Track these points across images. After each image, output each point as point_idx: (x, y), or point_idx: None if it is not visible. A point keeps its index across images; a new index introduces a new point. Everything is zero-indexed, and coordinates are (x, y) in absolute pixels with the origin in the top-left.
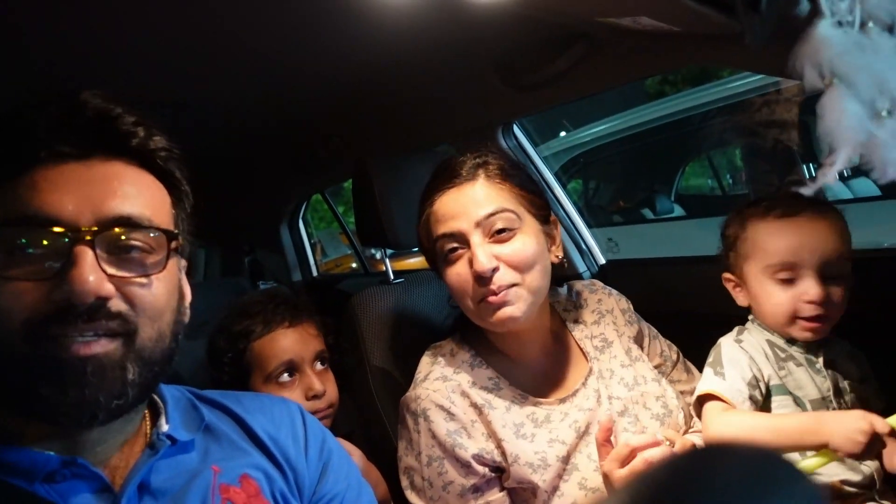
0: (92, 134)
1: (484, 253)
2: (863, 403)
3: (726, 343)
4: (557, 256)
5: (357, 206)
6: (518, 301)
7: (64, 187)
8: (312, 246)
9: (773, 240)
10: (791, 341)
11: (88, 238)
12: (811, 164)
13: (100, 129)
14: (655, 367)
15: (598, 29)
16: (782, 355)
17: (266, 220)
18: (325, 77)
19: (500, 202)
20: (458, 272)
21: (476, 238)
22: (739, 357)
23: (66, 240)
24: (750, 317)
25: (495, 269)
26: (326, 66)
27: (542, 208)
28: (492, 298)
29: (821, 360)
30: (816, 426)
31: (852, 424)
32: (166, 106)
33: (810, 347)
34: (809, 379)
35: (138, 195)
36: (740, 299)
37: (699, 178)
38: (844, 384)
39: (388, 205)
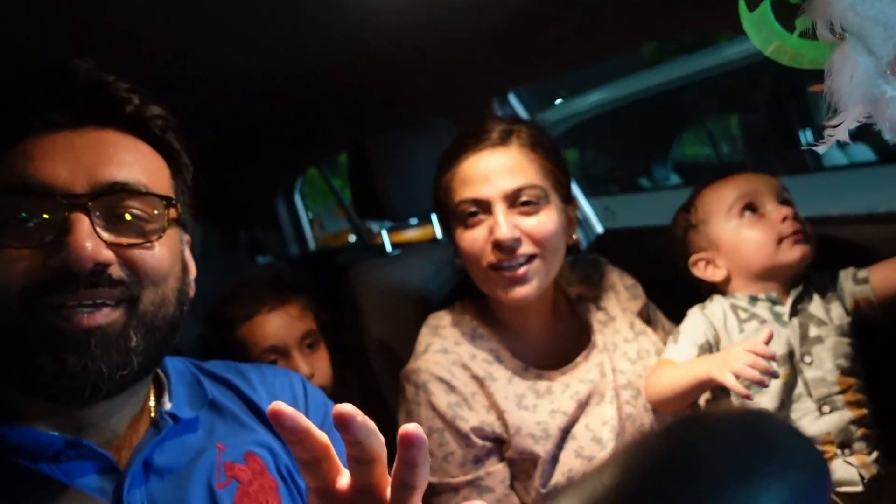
0: (84, 101)
1: (507, 222)
2: (837, 343)
3: (692, 311)
4: (572, 237)
5: (352, 180)
6: (534, 278)
7: (57, 155)
8: (311, 220)
9: (723, 189)
10: (754, 299)
11: (84, 204)
12: (808, 130)
13: (92, 97)
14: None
15: None
16: (744, 316)
17: (261, 194)
18: (318, 50)
19: (529, 176)
20: (475, 237)
21: (500, 207)
22: (698, 323)
23: (61, 207)
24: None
25: (517, 240)
26: (319, 40)
27: (565, 187)
28: (508, 274)
29: (786, 311)
30: (696, 365)
31: (728, 356)
32: (158, 81)
33: (775, 300)
34: (774, 335)
35: (134, 163)
36: (717, 274)
37: (696, 146)
38: (816, 332)
39: (385, 178)
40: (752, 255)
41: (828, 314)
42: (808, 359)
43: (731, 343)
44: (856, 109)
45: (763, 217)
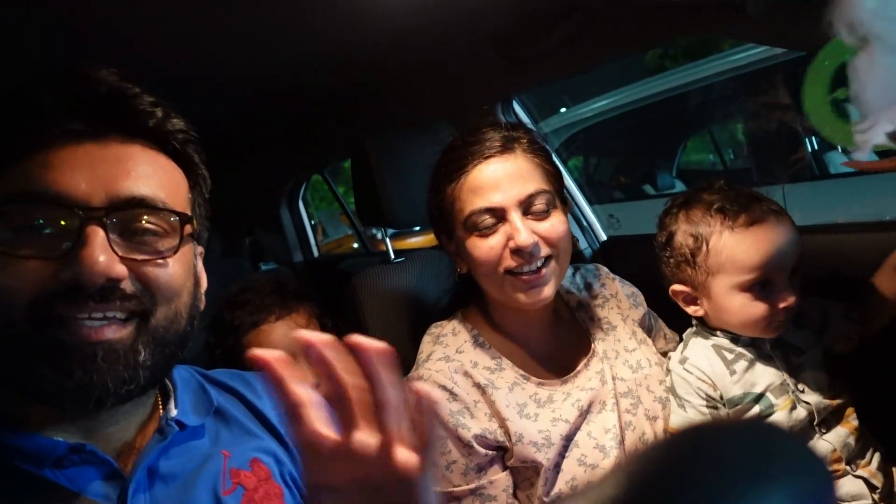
0: (107, 113)
1: (525, 228)
2: (816, 368)
3: (674, 368)
4: None
5: (356, 186)
6: (552, 278)
7: (77, 166)
8: (314, 227)
9: (748, 255)
10: (736, 339)
11: (100, 218)
12: (814, 137)
13: (115, 109)
14: (664, 354)
15: None
16: (730, 357)
17: (265, 200)
18: (321, 56)
19: (538, 181)
20: (492, 245)
21: (516, 214)
22: (689, 382)
23: (78, 219)
24: (689, 330)
25: (536, 245)
26: (323, 45)
27: (562, 186)
28: (527, 277)
29: (767, 346)
30: None
31: None
32: (161, 85)
33: (755, 339)
34: (763, 369)
35: (153, 176)
36: (696, 311)
37: (701, 153)
38: (798, 360)
39: (387, 184)
40: (734, 321)
41: (802, 342)
42: (801, 386)
43: (724, 387)
44: (885, 113)
45: (767, 298)
